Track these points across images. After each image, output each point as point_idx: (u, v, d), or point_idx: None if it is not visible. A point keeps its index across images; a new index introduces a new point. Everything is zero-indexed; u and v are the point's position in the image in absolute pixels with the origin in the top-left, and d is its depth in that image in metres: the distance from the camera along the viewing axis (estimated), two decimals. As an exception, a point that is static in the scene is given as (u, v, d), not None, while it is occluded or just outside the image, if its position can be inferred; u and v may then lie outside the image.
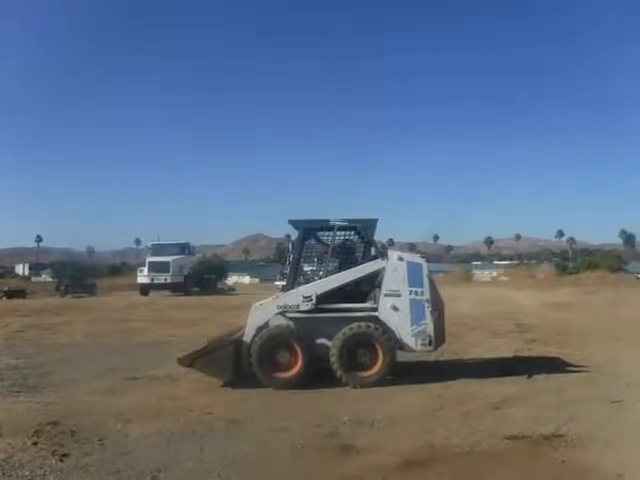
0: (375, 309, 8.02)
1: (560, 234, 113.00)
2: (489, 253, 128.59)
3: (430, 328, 7.93)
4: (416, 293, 7.97)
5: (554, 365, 9.33)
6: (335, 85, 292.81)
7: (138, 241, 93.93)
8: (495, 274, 60.26)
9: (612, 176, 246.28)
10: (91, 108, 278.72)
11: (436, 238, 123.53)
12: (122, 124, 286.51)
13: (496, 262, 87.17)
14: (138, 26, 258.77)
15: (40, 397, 7.39)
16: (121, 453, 5.11)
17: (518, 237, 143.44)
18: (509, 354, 10.71)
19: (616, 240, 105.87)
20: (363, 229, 8.40)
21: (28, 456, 5.01)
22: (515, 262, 75.64)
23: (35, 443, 5.33)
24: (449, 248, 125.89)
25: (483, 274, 61.84)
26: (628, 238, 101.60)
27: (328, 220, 8.36)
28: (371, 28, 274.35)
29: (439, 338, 8.08)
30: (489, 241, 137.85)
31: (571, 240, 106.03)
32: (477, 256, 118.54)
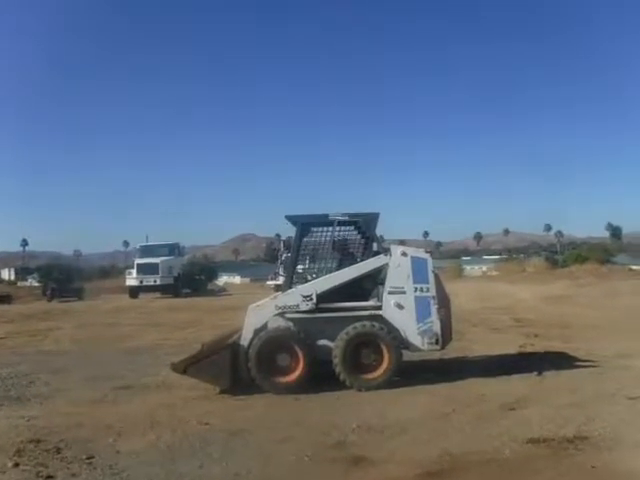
0: (379, 307, 7.63)
1: (548, 228, 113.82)
2: (478, 248, 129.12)
3: (437, 326, 7.57)
4: (421, 290, 7.60)
5: (562, 361, 9.04)
6: (325, 82, 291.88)
7: (126, 243, 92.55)
8: (485, 269, 60.25)
9: (598, 169, 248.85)
10: (79, 111, 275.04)
11: (426, 234, 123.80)
12: (110, 127, 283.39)
13: (485, 257, 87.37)
14: (137, 25, 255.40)
15: (23, 410, 6.88)
16: (112, 473, 4.66)
17: (506, 232, 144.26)
18: (513, 350, 10.40)
19: (602, 233, 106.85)
20: (364, 224, 8.00)
21: (9, 479, 4.54)
22: (504, 257, 75.85)
23: (16, 464, 4.86)
24: (439, 244, 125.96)
25: (473, 269, 61.78)
26: (614, 231, 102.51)
27: (327, 215, 7.94)
28: (371, 26, 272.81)
29: (446, 336, 7.72)
30: (478, 236, 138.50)
31: (558, 234, 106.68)
32: (466, 251, 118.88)
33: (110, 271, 51.18)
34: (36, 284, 45.16)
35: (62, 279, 35.62)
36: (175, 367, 7.60)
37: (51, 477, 4.60)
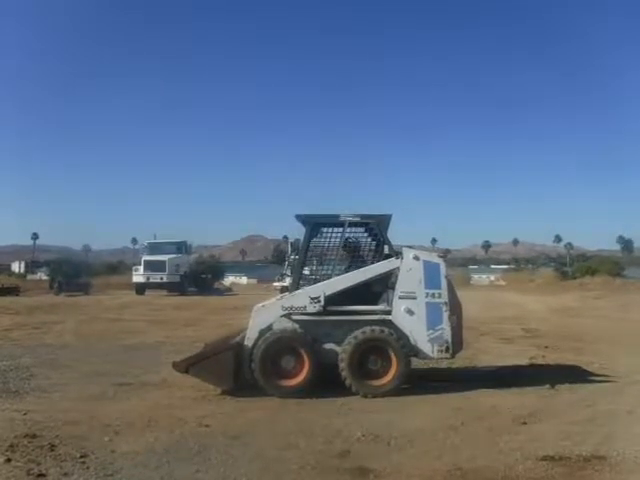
0: (388, 312, 7.39)
1: (558, 239, 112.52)
2: (486, 257, 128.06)
3: (448, 333, 7.32)
4: (433, 295, 7.35)
5: (575, 374, 8.74)
6: (332, 85, 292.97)
7: (135, 240, 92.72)
8: (493, 278, 59.50)
9: (610, 181, 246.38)
10: (88, 107, 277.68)
11: (434, 241, 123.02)
12: (120, 123, 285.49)
13: (493, 266, 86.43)
14: (137, 25, 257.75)
15: (21, 404, 6.73)
16: (105, 474, 4.46)
17: (516, 242, 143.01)
18: (524, 361, 10.11)
19: (613, 246, 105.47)
20: (376, 225, 7.76)
21: (-1, 475, 4.37)
22: (512, 266, 75.00)
23: (8, 460, 4.69)
24: (447, 252, 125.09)
25: (481, 278, 61.02)
26: (626, 244, 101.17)
27: (338, 215, 7.72)
28: (372, 28, 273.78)
29: (457, 344, 7.46)
30: (487, 245, 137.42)
31: (569, 245, 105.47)
32: (474, 260, 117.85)
33: (118, 267, 51.12)
34: (45, 277, 45.31)
35: (69, 273, 35.64)
36: (177, 366, 7.41)
37: (42, 475, 4.42)
